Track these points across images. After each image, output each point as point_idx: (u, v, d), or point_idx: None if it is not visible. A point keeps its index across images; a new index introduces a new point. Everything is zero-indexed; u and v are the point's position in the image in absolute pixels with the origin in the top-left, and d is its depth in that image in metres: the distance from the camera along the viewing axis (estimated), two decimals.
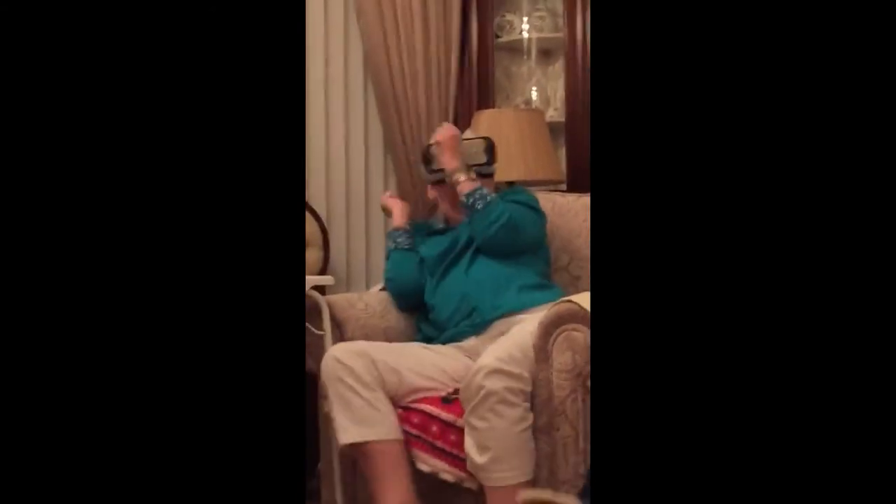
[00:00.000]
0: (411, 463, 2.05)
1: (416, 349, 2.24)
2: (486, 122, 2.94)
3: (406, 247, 2.50)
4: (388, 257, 2.53)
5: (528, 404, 1.92)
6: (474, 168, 2.41)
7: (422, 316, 2.46)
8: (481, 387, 1.88)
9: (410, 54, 3.12)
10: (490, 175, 2.48)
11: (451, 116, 3.16)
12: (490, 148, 2.47)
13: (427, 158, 2.50)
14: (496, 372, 1.89)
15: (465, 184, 2.35)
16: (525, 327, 2.05)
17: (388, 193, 2.68)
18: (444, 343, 2.31)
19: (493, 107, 3.19)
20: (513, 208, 2.33)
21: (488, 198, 2.32)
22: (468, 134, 2.60)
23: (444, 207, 2.54)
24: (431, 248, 2.47)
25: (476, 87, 3.20)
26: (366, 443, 2.01)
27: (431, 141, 2.47)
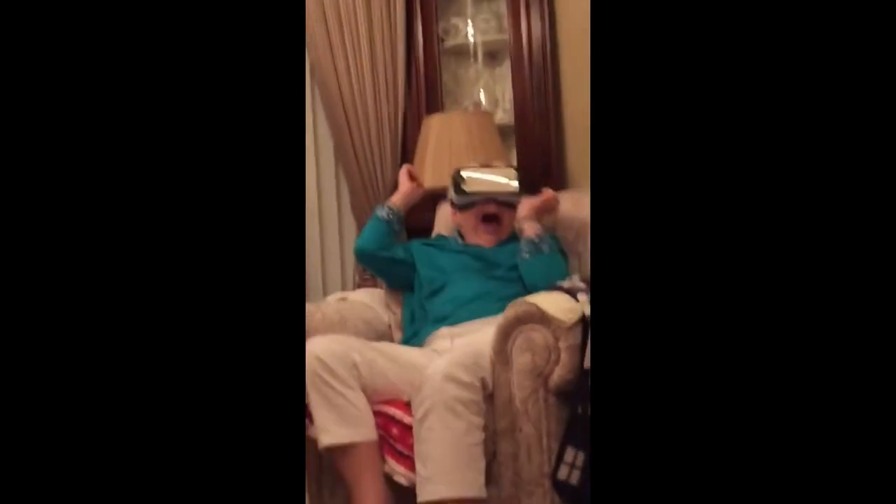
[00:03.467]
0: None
1: (403, 352, 2.20)
2: (435, 126, 2.93)
3: (388, 219, 2.51)
4: (370, 221, 2.54)
5: (477, 418, 1.88)
6: (505, 196, 2.46)
7: (407, 316, 2.47)
8: (430, 395, 1.87)
9: (357, 62, 3.10)
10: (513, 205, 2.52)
11: (400, 122, 3.14)
12: (520, 179, 2.51)
13: (457, 182, 2.51)
14: (448, 379, 1.87)
15: (534, 227, 2.42)
16: (477, 337, 2.06)
17: (406, 167, 2.66)
18: (426, 336, 2.31)
19: (442, 111, 3.18)
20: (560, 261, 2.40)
21: (555, 247, 2.40)
22: (496, 163, 2.61)
23: (466, 230, 2.55)
24: (450, 254, 2.49)
25: (424, 92, 3.19)
26: (349, 444, 1.98)
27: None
